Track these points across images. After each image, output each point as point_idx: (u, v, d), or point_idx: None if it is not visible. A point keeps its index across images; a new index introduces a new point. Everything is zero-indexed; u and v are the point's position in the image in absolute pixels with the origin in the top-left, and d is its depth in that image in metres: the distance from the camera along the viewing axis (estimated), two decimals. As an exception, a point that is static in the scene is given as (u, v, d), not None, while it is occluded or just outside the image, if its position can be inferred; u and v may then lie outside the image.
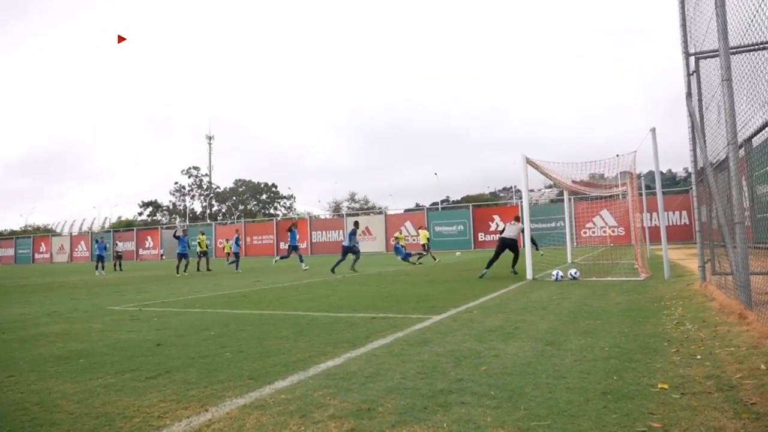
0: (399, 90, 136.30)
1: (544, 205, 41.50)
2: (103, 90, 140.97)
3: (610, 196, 17.87)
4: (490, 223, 39.42)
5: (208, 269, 21.29)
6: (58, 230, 67.43)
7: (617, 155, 12.48)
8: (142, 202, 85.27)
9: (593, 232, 35.14)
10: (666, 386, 3.12)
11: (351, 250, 17.09)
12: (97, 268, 23.07)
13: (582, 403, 2.88)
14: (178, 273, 18.77)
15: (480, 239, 39.92)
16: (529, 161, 11.51)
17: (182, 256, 19.25)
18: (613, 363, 3.74)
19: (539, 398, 2.99)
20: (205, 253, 21.82)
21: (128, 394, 3.39)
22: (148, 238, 54.16)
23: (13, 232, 73.07)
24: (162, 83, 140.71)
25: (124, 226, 63.03)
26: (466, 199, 63.12)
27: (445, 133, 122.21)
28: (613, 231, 34.40)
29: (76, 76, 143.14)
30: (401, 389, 3.27)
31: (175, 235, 20.51)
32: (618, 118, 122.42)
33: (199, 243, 21.62)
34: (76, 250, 57.33)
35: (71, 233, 61.69)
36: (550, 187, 42.98)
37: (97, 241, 24.48)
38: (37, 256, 59.71)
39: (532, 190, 13.97)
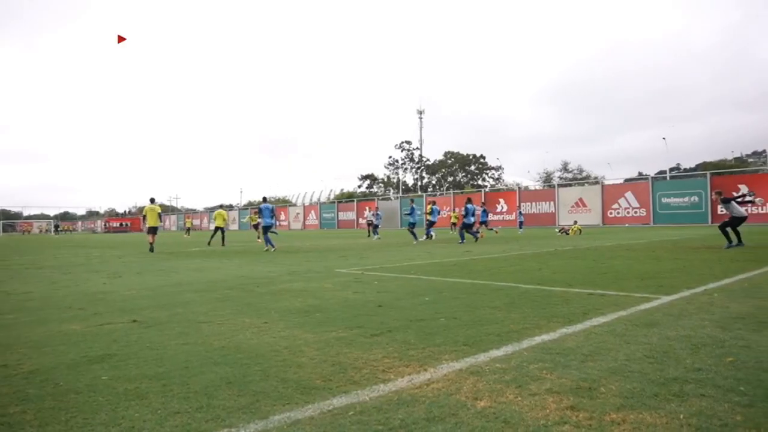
0: (607, 44, 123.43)
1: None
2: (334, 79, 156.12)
3: None
4: (734, 193, 33.67)
5: (223, 244, 20.71)
6: (293, 201, 77.39)
7: None
8: (361, 175, 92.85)
9: None
10: None
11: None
12: (369, 234, 25.76)
13: None
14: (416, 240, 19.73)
15: (720, 212, 34.45)
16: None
17: (413, 225, 20.59)
18: None
19: (809, 402, 2.49)
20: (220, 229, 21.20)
21: (357, 348, 3.76)
22: (366, 208, 58.98)
23: (265, 200, 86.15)
24: (377, 67, 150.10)
25: (345, 198, 69.59)
26: (703, 167, 54.79)
27: (671, 91, 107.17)
28: None
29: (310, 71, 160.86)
30: (626, 372, 3.02)
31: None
32: None
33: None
34: (308, 218, 65.32)
35: (303, 204, 70.39)
36: (820, 149, 34.95)
37: (372, 211, 27.08)
38: (278, 223, 69.70)
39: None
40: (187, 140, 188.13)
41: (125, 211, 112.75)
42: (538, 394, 2.71)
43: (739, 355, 3.31)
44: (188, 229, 41.49)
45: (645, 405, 2.52)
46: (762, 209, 32.55)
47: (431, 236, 21.32)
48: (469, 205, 19.03)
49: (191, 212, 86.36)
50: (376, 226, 24.97)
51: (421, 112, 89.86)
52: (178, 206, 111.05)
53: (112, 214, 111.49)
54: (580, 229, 24.93)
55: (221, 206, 24.10)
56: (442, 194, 60.98)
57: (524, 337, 3.95)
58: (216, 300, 6.25)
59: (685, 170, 58.44)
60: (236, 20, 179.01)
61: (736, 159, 62.61)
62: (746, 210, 13.10)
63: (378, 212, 25.68)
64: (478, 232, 20.36)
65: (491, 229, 21.83)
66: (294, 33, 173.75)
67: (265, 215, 17.00)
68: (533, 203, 44.03)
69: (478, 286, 6.90)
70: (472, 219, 19.13)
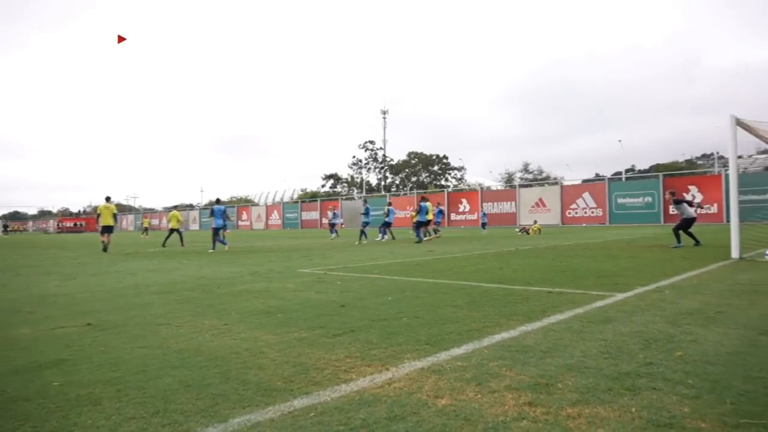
0: (569, 51, 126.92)
1: (757, 174, 35.54)
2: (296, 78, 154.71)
3: None
4: (685, 194, 35.03)
5: (182, 245, 20.31)
6: (256, 201, 76.34)
7: None
8: (325, 174, 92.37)
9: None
10: None
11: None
12: (334, 232, 25.50)
13: (810, 404, 2.45)
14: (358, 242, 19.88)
15: (672, 212, 35.79)
16: (739, 122, 9.91)
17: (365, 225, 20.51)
18: None
19: (751, 394, 2.61)
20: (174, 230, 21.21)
21: (319, 348, 3.74)
22: (335, 207, 58.64)
23: (218, 202, 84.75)
24: (341, 66, 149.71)
25: (309, 198, 69.09)
26: (656, 168, 56.81)
27: (628, 95, 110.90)
28: None
29: (276, 71, 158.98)
30: (582, 367, 3.11)
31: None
32: None
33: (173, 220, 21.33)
34: (271, 218, 64.55)
35: (266, 204, 69.52)
36: (764, 152, 36.77)
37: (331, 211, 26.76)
38: (240, 223, 68.57)
39: (740, 157, 12.07)
40: (147, 138, 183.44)
41: (80, 211, 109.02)
42: (497, 391, 2.75)
43: (688, 350, 3.45)
44: (145, 229, 40.45)
45: (599, 399, 2.59)
46: (711, 209, 33.98)
47: (384, 237, 21.51)
48: (423, 204, 19.32)
49: (149, 212, 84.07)
50: (332, 225, 25.22)
51: (384, 112, 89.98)
52: (136, 205, 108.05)
53: (65, 214, 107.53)
54: (539, 229, 25.48)
55: (176, 207, 23.73)
56: (406, 194, 61.29)
57: (485, 335, 4.01)
58: (175, 302, 6.11)
59: (640, 172, 60.44)
60: (199, 17, 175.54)
61: (686, 161, 65.12)
62: (695, 211, 13.69)
63: (335, 212, 25.83)
64: (437, 231, 20.62)
65: (436, 230, 21.91)
66: (257, 31, 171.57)
67: (217, 216, 17.08)
68: (495, 203, 44.75)
69: (440, 286, 6.96)
70: (426, 218, 19.40)
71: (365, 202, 22.95)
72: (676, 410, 2.42)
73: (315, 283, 7.60)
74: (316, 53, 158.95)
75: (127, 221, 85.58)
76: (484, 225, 31.37)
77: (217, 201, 17.76)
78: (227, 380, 3.06)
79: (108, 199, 17.96)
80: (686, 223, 12.97)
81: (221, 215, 17.13)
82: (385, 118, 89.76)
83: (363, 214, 21.30)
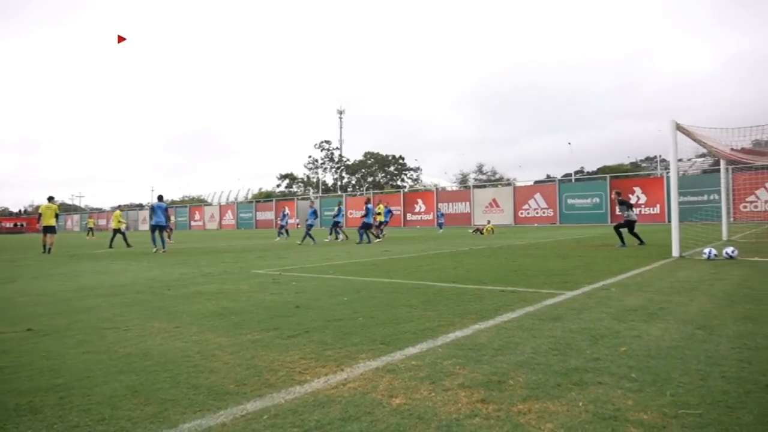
0: (522, 56, 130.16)
1: (695, 176, 37.39)
2: (248, 76, 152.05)
3: (780, 166, 15.63)
4: (630, 195, 36.48)
5: (128, 245, 20.02)
6: (209, 200, 74.71)
7: (791, 118, 10.81)
8: (280, 174, 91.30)
9: (755, 207, 31.09)
10: None
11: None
12: (289, 235, 25.17)
13: (741, 394, 2.60)
14: (301, 242, 19.64)
15: (618, 212, 37.19)
16: (679, 127, 10.40)
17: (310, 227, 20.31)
18: (781, 353, 3.31)
19: (689, 385, 2.75)
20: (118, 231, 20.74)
21: (273, 350, 3.70)
22: (285, 207, 58.04)
23: (173, 202, 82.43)
24: (296, 65, 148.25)
25: (264, 197, 68.10)
26: (603, 170, 58.92)
27: (578, 99, 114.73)
28: (782, 206, 30.10)
29: (224, 65, 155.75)
30: (532, 364, 3.19)
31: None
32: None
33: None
34: (225, 218, 63.27)
35: (220, 203, 68.13)
36: (702, 156, 38.66)
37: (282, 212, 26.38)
38: (192, 223, 66.91)
39: (680, 160, 12.65)
40: (93, 137, 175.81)
41: (20, 210, 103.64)
42: (451, 389, 2.79)
43: (632, 345, 3.60)
44: (90, 230, 38.93)
45: (549, 395, 2.67)
46: (653, 210, 35.47)
47: (339, 238, 21.45)
48: (368, 206, 19.40)
49: (96, 212, 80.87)
50: (282, 227, 25.14)
51: (341, 112, 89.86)
52: (82, 205, 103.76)
53: (4, 214, 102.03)
54: (492, 229, 25.97)
55: (119, 207, 22.98)
56: (362, 194, 61.25)
57: (439, 334, 4.06)
58: (123, 304, 5.91)
59: (588, 173, 62.49)
60: (149, 15, 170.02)
61: (631, 164, 67.78)
62: (635, 213, 14.32)
63: (285, 212, 25.66)
64: (382, 232, 20.82)
65: (380, 232, 21.88)
66: (209, 29, 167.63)
67: (157, 214, 16.59)
68: (450, 203, 45.37)
69: (395, 285, 7.00)
70: (371, 219, 19.53)
71: (312, 203, 22.89)
72: (620, 403, 2.52)
73: (270, 284, 7.50)
74: (272, 51, 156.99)
75: (72, 221, 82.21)
76: (441, 225, 31.75)
77: (160, 198, 17.19)
78: (177, 384, 2.98)
79: (51, 199, 17.27)
80: (629, 225, 13.52)
81: (162, 213, 16.62)
82: (341, 118, 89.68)
83: (311, 213, 21.18)
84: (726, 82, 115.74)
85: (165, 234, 17.02)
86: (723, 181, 16.03)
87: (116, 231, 20.51)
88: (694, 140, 11.80)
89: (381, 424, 2.35)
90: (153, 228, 16.69)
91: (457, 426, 2.31)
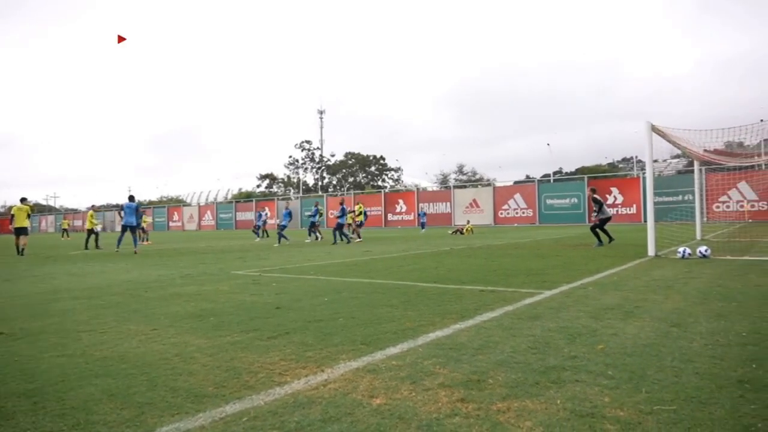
0: (503, 58, 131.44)
1: (670, 177, 38.12)
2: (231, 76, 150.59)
3: (751, 167, 16.00)
4: (608, 195, 37.08)
5: (97, 247, 19.57)
6: (188, 201, 73.77)
7: (761, 120, 11.11)
8: (260, 174, 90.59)
9: (728, 207, 31.78)
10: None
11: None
12: (260, 235, 24.93)
13: (714, 390, 2.66)
14: (279, 242, 19.47)
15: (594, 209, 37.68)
16: (654, 129, 10.60)
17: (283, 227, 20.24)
18: (752, 350, 3.40)
19: (663, 381, 2.81)
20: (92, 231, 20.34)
21: (253, 352, 3.67)
22: (266, 208, 57.63)
23: (150, 202, 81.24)
24: (276, 65, 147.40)
25: (244, 198, 67.49)
26: (581, 171, 59.75)
27: (557, 101, 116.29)
28: (753, 206, 30.83)
29: (197, 66, 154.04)
30: (511, 363, 3.22)
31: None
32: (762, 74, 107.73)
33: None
34: (204, 218, 62.58)
35: (199, 204, 67.33)
36: (677, 157, 39.39)
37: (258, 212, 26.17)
38: (171, 224, 66.02)
39: (656, 161, 12.90)
40: (70, 136, 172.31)
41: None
42: (431, 388, 2.80)
43: (609, 343, 3.66)
44: (65, 231, 38.21)
45: (527, 393, 2.70)
46: (629, 210, 36.07)
47: (315, 239, 21.46)
48: (343, 206, 19.50)
49: (71, 212, 79.32)
50: (258, 227, 25.04)
51: (321, 112, 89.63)
52: (57, 206, 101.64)
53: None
54: (472, 229, 26.13)
55: (92, 207, 22.51)
56: (343, 194, 61.11)
57: (420, 334, 4.07)
58: (99, 307, 5.81)
59: (567, 174, 63.28)
60: (128, 15, 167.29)
61: (609, 164, 68.84)
62: (610, 212, 14.60)
63: (261, 213, 25.61)
64: (353, 233, 20.94)
65: (352, 234, 21.74)
66: (188, 28, 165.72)
67: (127, 214, 16.36)
68: (431, 204, 45.51)
69: (376, 286, 7.00)
70: (345, 220, 19.61)
71: (287, 206, 22.90)
72: (597, 400, 2.56)
73: (250, 285, 7.45)
74: (253, 51, 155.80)
75: (47, 222, 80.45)
76: (423, 225, 31.85)
77: (131, 198, 16.89)
78: (155, 387, 2.94)
79: (23, 199, 16.89)
80: (603, 222, 13.81)
81: (132, 213, 16.34)
82: (321, 118, 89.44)
83: (285, 215, 21.12)
84: (700, 85, 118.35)
85: (137, 234, 16.78)
86: (696, 181, 16.36)
87: (90, 231, 20.17)
88: (669, 141, 12.04)
89: (361, 425, 2.35)
90: (123, 228, 16.53)
91: (437, 425, 2.33)
